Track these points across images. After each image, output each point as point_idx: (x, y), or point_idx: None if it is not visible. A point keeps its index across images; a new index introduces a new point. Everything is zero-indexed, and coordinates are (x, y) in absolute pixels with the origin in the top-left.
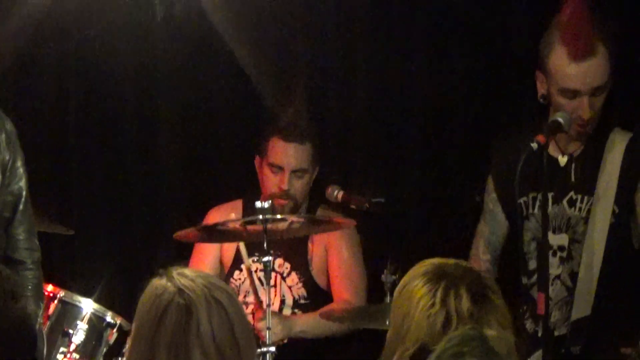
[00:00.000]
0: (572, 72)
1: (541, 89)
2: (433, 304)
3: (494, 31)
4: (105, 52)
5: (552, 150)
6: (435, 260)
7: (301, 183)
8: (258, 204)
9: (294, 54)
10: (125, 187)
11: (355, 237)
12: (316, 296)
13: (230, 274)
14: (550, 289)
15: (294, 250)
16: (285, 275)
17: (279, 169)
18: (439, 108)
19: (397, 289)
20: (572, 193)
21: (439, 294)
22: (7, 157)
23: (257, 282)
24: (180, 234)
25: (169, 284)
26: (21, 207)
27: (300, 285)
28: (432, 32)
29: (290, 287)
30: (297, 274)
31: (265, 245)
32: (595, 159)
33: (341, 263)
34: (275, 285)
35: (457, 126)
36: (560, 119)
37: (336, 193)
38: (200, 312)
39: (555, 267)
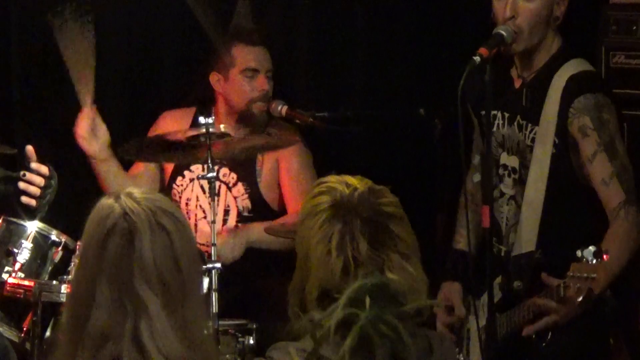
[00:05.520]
0: None
1: None
2: (329, 251)
3: None
4: None
5: (513, 71)
6: (333, 184)
7: (272, 85)
8: (201, 119)
9: None
10: (69, 102)
11: (305, 150)
12: (261, 210)
13: (173, 179)
14: (506, 208)
15: (241, 161)
16: (231, 185)
17: (254, 72)
18: (384, 21)
19: (300, 216)
20: (519, 117)
21: (334, 241)
22: None
23: (199, 190)
24: (123, 149)
25: (115, 204)
26: None
27: (246, 196)
28: None
29: (235, 198)
30: (243, 185)
31: (209, 161)
32: (543, 87)
33: (293, 176)
34: (218, 194)
35: (402, 39)
36: (502, 32)
37: (280, 108)
38: (143, 238)
39: (510, 188)
